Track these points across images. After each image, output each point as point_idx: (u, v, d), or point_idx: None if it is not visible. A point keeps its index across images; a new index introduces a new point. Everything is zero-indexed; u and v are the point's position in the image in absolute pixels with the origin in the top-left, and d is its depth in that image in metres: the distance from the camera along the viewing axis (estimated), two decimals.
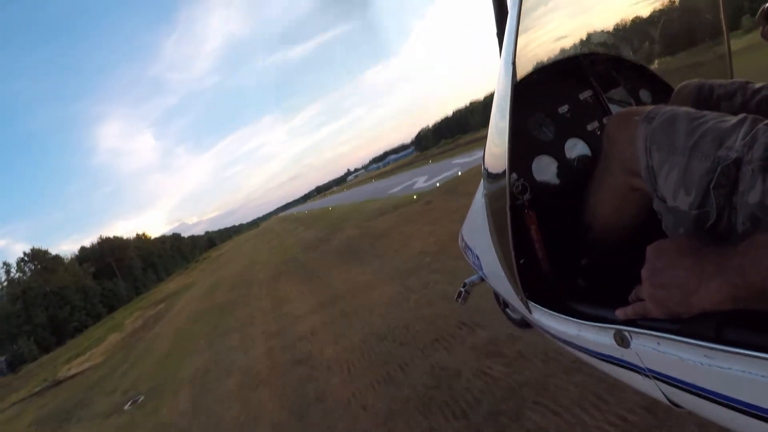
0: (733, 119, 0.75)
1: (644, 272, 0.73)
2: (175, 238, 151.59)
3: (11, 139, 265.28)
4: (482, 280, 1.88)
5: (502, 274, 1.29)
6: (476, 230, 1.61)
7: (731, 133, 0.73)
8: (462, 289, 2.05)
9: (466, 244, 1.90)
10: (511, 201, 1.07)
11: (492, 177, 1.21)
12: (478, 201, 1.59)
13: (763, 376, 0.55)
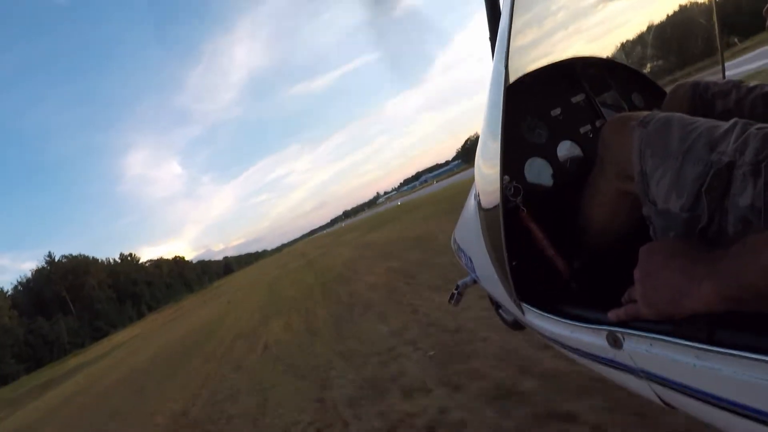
0: (726, 124, 0.76)
1: (637, 273, 0.74)
2: (176, 262, 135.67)
3: (42, 166, 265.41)
4: (475, 281, 1.88)
5: (495, 276, 1.29)
6: (469, 232, 1.61)
7: (724, 137, 0.74)
8: (455, 291, 2.05)
9: (459, 246, 1.90)
10: (503, 203, 1.07)
11: (484, 179, 1.21)
12: (471, 203, 1.59)
13: (753, 376, 0.55)
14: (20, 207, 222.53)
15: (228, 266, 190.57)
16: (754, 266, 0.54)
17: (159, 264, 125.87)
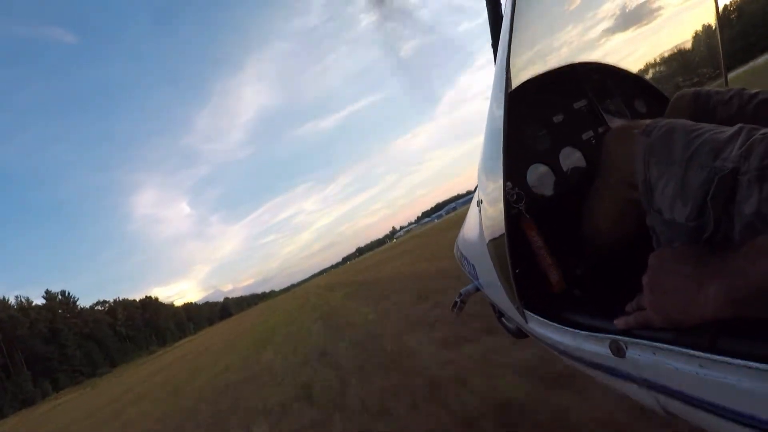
0: (730, 130, 0.75)
1: (645, 280, 0.73)
2: (145, 304, 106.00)
3: (49, 205, 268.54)
4: (478, 289, 1.87)
5: (498, 283, 1.28)
6: (472, 240, 1.60)
7: (728, 143, 0.73)
8: (457, 299, 2.04)
9: (461, 253, 1.89)
10: (506, 209, 1.07)
11: (487, 185, 1.21)
12: (474, 210, 1.58)
13: (758, 385, 0.54)
14: (29, 247, 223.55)
15: (226, 309, 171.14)
16: (763, 269, 0.54)
17: (111, 309, 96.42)
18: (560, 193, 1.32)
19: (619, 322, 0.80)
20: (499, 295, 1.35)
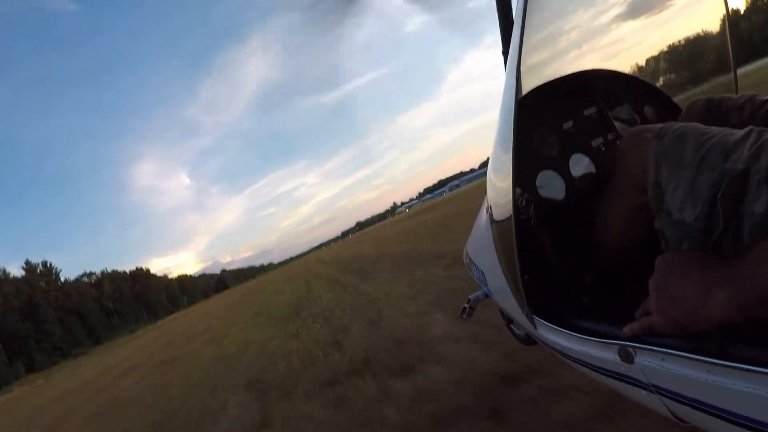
0: (740, 132, 0.76)
1: (652, 283, 0.72)
2: (135, 276, 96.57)
3: (51, 176, 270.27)
4: (487, 296, 1.87)
5: (507, 289, 1.28)
6: (481, 246, 1.61)
7: (738, 145, 0.74)
8: (466, 305, 2.04)
9: (470, 260, 1.89)
10: (516, 216, 1.07)
11: (496, 192, 1.22)
12: (483, 216, 1.59)
13: (765, 391, 0.55)
14: (29, 218, 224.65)
15: (222, 281, 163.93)
16: None
17: (95, 283, 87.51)
18: (569, 200, 1.33)
19: (627, 329, 0.80)
20: (509, 302, 1.35)
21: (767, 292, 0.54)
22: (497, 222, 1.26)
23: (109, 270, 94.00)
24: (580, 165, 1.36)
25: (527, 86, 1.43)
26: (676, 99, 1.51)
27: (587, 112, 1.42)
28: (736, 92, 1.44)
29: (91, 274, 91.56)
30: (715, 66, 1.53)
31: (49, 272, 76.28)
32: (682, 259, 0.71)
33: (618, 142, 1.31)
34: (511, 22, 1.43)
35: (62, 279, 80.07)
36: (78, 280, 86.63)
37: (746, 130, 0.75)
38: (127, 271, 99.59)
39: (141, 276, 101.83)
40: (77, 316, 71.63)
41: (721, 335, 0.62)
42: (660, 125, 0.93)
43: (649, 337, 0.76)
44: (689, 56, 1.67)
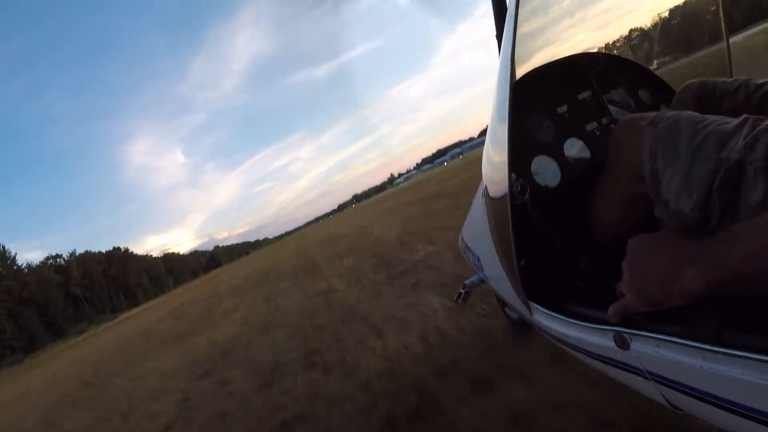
0: (735, 121, 0.75)
1: (625, 265, 0.72)
2: (110, 257, 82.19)
3: (44, 155, 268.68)
4: (482, 281, 1.88)
5: (503, 274, 1.28)
6: (477, 231, 1.60)
7: (733, 134, 0.73)
8: (462, 290, 2.05)
9: (466, 245, 1.89)
10: (511, 201, 1.07)
11: (492, 177, 1.21)
12: (479, 202, 1.58)
13: (762, 378, 0.55)
14: (24, 197, 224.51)
15: (214, 259, 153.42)
16: (738, 253, 0.54)
17: (67, 265, 73.56)
18: (565, 185, 1.32)
19: (610, 312, 0.79)
20: (504, 287, 1.36)
21: (735, 270, 0.55)
22: (493, 207, 1.25)
23: (80, 252, 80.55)
24: (574, 149, 1.35)
25: (520, 70, 1.41)
26: (668, 70, 1.50)
27: (582, 96, 1.41)
28: (730, 73, 1.42)
29: (57, 256, 78.82)
30: (707, 37, 1.51)
31: (1, 256, 61.48)
32: (652, 239, 0.71)
33: (612, 126, 1.30)
34: (505, 8, 1.41)
35: (21, 264, 68.47)
36: (42, 264, 74.75)
37: (741, 118, 0.75)
38: (103, 252, 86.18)
39: (117, 257, 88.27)
40: (35, 308, 60.79)
41: (718, 321, 0.62)
42: (653, 113, 0.92)
43: (626, 317, 0.76)
44: (683, 35, 1.66)
